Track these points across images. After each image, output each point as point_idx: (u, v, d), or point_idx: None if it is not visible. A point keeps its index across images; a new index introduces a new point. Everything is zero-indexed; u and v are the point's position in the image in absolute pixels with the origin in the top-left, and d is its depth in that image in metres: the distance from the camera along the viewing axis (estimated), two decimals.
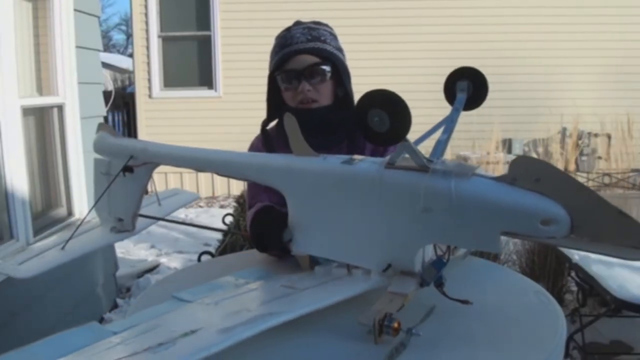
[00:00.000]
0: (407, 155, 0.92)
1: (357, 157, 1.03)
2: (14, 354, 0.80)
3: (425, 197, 0.87)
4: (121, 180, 1.35)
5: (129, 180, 1.34)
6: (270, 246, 1.24)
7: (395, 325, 0.85)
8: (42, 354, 0.81)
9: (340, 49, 1.44)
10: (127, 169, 1.33)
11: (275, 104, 1.46)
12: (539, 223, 0.79)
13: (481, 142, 5.72)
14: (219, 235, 4.01)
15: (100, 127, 1.46)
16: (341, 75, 1.41)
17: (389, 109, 0.83)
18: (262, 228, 1.23)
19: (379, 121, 0.84)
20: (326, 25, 1.46)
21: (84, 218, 1.50)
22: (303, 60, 1.37)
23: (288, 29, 1.42)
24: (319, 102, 1.39)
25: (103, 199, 1.41)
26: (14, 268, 1.41)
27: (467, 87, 1.10)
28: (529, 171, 0.80)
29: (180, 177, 6.81)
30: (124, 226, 1.42)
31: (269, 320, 0.83)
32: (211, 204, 6.65)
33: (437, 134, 1.03)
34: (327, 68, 1.39)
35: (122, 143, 1.39)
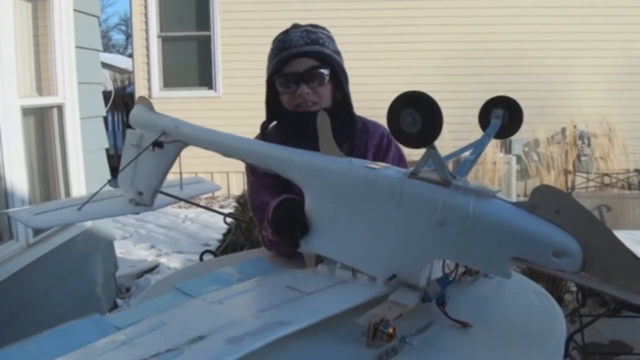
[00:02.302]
0: (431, 168, 0.92)
1: (382, 163, 1.04)
2: (18, 346, 0.80)
3: (443, 211, 0.87)
4: (149, 154, 1.36)
5: (157, 155, 1.36)
6: (286, 236, 1.20)
7: (390, 331, 0.85)
8: (46, 346, 0.81)
9: (338, 52, 1.43)
10: (157, 144, 1.34)
11: (274, 106, 1.46)
12: (551, 254, 0.79)
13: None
14: (219, 236, 4.01)
15: (139, 100, 1.48)
16: (339, 78, 1.41)
17: (423, 110, 0.83)
18: (285, 217, 1.20)
19: (411, 121, 0.84)
20: (324, 28, 1.45)
21: (104, 185, 1.52)
22: (302, 64, 1.36)
23: (286, 32, 1.41)
24: (318, 105, 1.38)
25: (128, 169, 1.42)
26: (29, 217, 1.42)
27: (502, 115, 1.11)
28: (550, 201, 0.80)
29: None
30: (143, 200, 1.43)
31: (278, 330, 0.83)
32: (211, 204, 6.65)
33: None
34: (325, 71, 1.38)
35: (156, 118, 1.39)
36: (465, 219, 0.85)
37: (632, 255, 0.74)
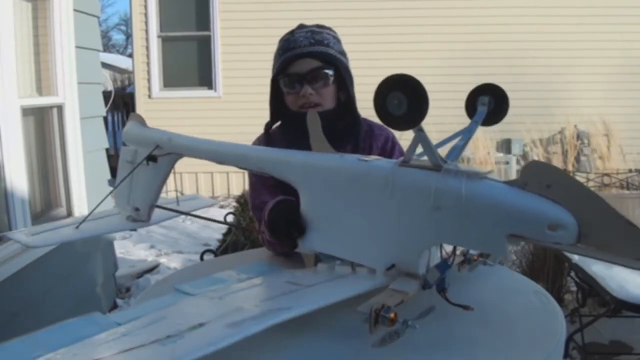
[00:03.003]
0: (423, 157, 0.93)
1: (373, 156, 1.05)
2: (18, 342, 0.81)
3: (436, 195, 0.88)
4: (144, 169, 1.37)
5: (151, 169, 1.37)
6: (282, 237, 1.21)
7: (392, 316, 0.85)
8: (46, 342, 0.82)
9: (343, 53, 1.43)
10: (151, 158, 1.35)
11: (278, 107, 1.46)
12: (547, 228, 0.79)
13: (481, 141, 5.72)
14: (219, 236, 4.01)
15: (131, 116, 1.48)
16: (344, 79, 1.41)
17: (408, 92, 0.84)
18: (281, 218, 1.20)
19: (398, 104, 0.85)
20: (329, 28, 1.45)
21: (101, 201, 1.52)
22: (306, 64, 1.36)
23: (291, 33, 1.41)
24: (322, 106, 1.38)
25: (124, 186, 1.42)
26: (26, 237, 1.43)
27: (488, 102, 1.12)
28: (541, 176, 0.80)
29: (180, 177, 6.81)
30: (140, 216, 1.44)
31: (278, 315, 0.83)
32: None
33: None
34: (330, 72, 1.38)
35: (148, 132, 1.40)
36: (459, 201, 0.85)
37: (626, 221, 0.75)
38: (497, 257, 1.13)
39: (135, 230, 1.51)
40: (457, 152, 1.00)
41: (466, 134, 1.06)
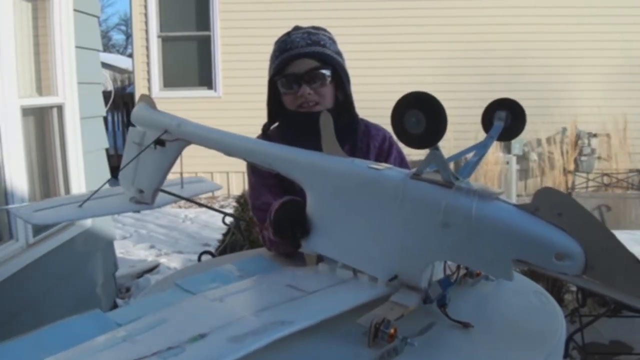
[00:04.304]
0: (434, 169, 0.93)
1: (385, 164, 1.04)
2: (18, 341, 0.80)
3: (445, 212, 0.87)
4: (151, 152, 1.36)
5: (158, 153, 1.36)
6: (286, 237, 1.20)
7: (392, 331, 0.85)
8: (46, 341, 0.81)
9: (339, 53, 1.44)
10: (159, 142, 1.34)
11: (276, 108, 1.46)
12: (554, 257, 0.78)
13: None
14: (218, 236, 4.01)
15: (141, 97, 1.47)
16: (341, 79, 1.41)
17: (427, 110, 0.83)
18: (287, 218, 1.20)
19: (416, 122, 0.84)
20: (325, 29, 1.46)
21: (105, 182, 1.52)
22: (303, 64, 1.37)
23: (288, 34, 1.42)
24: (320, 105, 1.39)
25: (129, 167, 1.42)
26: (29, 214, 1.42)
27: (505, 117, 1.11)
28: (553, 204, 0.80)
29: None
30: (144, 198, 1.43)
31: (280, 330, 0.82)
32: (211, 204, 6.66)
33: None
34: (327, 72, 1.39)
35: (158, 116, 1.39)
36: (468, 220, 0.85)
37: (635, 259, 0.74)
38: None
39: (138, 212, 1.51)
40: (470, 168, 0.99)
41: (480, 150, 1.05)
